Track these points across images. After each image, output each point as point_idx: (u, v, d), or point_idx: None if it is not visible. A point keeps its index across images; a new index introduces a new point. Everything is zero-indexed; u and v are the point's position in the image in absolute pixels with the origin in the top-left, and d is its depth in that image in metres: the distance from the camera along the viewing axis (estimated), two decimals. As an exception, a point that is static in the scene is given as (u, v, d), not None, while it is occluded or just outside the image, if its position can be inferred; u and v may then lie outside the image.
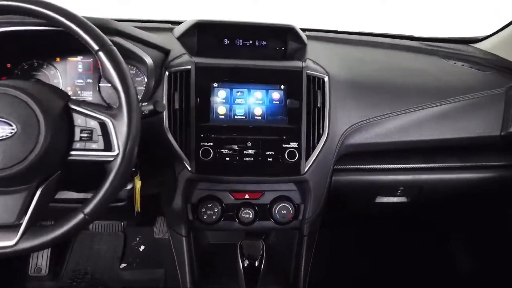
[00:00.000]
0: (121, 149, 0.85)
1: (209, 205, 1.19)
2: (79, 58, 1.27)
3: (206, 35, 1.33)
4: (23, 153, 0.79)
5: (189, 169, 1.14)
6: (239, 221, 1.21)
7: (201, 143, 1.15)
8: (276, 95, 1.20)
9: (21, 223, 0.80)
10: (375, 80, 1.32)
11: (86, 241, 2.07)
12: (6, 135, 0.80)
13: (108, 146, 0.86)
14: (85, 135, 0.87)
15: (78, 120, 0.87)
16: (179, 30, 1.34)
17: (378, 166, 1.33)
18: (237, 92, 1.19)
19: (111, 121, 0.87)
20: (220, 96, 1.18)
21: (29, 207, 0.81)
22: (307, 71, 1.20)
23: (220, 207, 1.19)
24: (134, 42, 1.17)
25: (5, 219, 0.81)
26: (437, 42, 1.64)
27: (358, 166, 1.32)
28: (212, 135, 1.15)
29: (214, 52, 1.24)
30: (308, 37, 1.37)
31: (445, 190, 1.38)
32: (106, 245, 2.06)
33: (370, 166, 1.33)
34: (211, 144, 1.15)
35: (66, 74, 1.27)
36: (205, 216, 1.19)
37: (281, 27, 1.33)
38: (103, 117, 0.87)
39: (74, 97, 1.11)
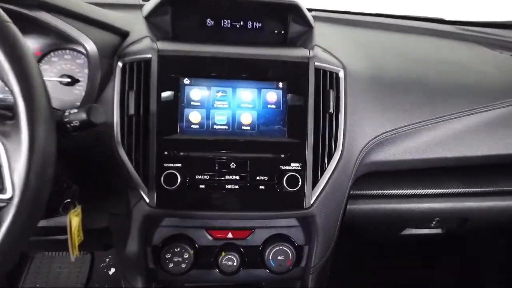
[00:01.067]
0: (17, 189, 0.52)
1: (176, 249, 0.85)
2: None
3: (183, 14, 1.02)
4: None
5: (147, 201, 0.81)
6: (219, 269, 0.88)
7: (165, 164, 0.81)
8: (272, 96, 0.86)
9: None
10: (405, 76, 0.98)
11: (45, 262, 1.75)
12: None
13: None
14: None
15: None
16: (147, 7, 1.00)
17: (408, 191, 1.00)
18: (218, 91, 0.85)
19: (2, 144, 0.54)
20: (193, 97, 0.84)
21: None
22: (316, 63, 0.87)
23: (192, 251, 0.86)
24: (72, 19, 0.83)
25: None
26: (476, 27, 1.29)
27: (381, 192, 0.99)
28: (181, 153, 0.82)
29: (193, 37, 1.00)
30: (316, 18, 1.04)
31: (495, 221, 1.05)
32: (68, 268, 1.74)
33: (397, 192, 1.00)
34: (179, 165, 0.81)
35: None
36: (171, 264, 0.85)
37: (282, 3, 0.99)
38: None
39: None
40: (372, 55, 1.02)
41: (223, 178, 0.82)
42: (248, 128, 0.85)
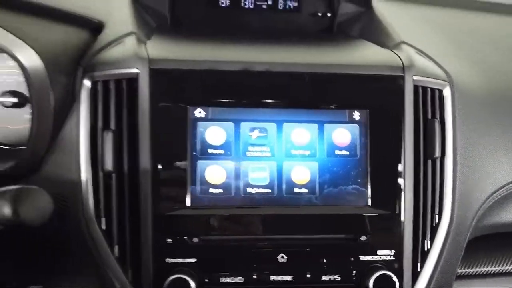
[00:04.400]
0: None
1: None
2: None
3: None
4: None
5: None
6: None
7: (168, 260, 0.48)
8: (342, 135, 0.51)
9: None
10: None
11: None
12: None
13: None
14: None
15: None
16: None
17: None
18: (253, 130, 0.51)
19: None
20: (210, 141, 0.50)
21: None
22: (415, 76, 0.52)
23: None
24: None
25: None
26: None
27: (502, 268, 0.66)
28: (194, 240, 0.48)
29: (201, 25, 0.74)
30: None
31: None
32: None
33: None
34: (192, 262, 0.48)
35: None
36: None
37: None
38: None
39: None
40: (478, 56, 0.67)
41: (266, 281, 0.49)
42: (305, 191, 0.50)
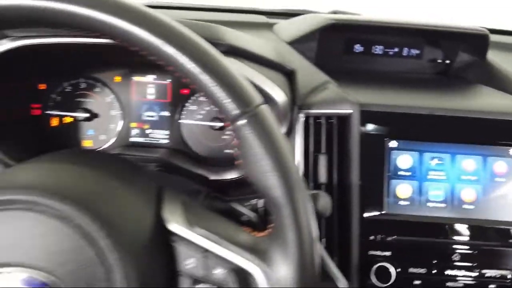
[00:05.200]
0: None
1: None
2: (149, 77, 0.79)
3: (331, 39, 0.86)
4: None
5: None
6: None
7: (371, 252, 0.64)
8: (502, 166, 0.67)
9: None
10: None
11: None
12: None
13: None
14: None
15: (189, 260, 0.39)
16: (292, 32, 0.86)
17: None
18: (433, 158, 0.67)
19: (261, 271, 0.38)
20: (401, 165, 0.66)
21: None
22: None
23: None
24: (252, 63, 0.67)
25: None
26: None
27: None
28: (389, 238, 0.64)
29: (338, 63, 0.87)
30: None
31: None
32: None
33: None
34: (389, 254, 0.64)
35: (129, 103, 0.79)
36: None
37: (471, 33, 0.81)
38: (244, 261, 0.38)
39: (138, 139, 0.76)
40: None
41: (444, 273, 0.64)
42: (472, 207, 0.66)
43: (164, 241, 0.40)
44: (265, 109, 0.39)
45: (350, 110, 0.66)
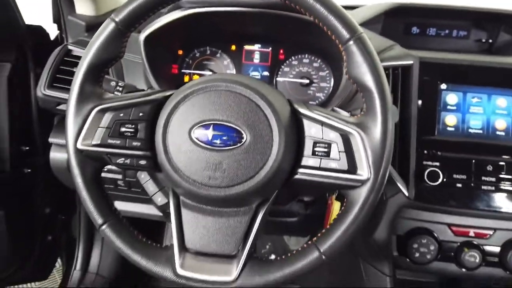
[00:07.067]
0: (373, 172, 0.62)
1: (423, 240, 0.92)
2: (256, 46, 1.06)
3: (393, 21, 1.08)
4: (252, 170, 0.62)
5: (406, 194, 0.89)
6: (459, 264, 0.93)
7: (424, 163, 0.88)
8: (526, 104, 0.90)
9: (239, 254, 0.65)
10: None
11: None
12: (234, 145, 0.62)
13: (353, 167, 0.63)
14: (321, 149, 0.65)
15: (312, 129, 0.65)
16: (361, 14, 1.08)
17: None
18: (473, 97, 0.91)
19: (359, 134, 0.63)
20: (449, 102, 0.91)
21: (249, 235, 0.65)
22: None
23: (436, 245, 0.92)
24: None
25: (224, 248, 0.65)
26: None
27: None
28: (439, 153, 0.88)
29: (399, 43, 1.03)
30: None
31: None
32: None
33: None
34: (438, 164, 0.88)
35: (241, 66, 1.07)
36: (417, 254, 0.92)
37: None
38: (348, 128, 0.64)
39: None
40: None
41: (479, 179, 0.88)
42: (503, 133, 0.89)
43: (298, 117, 0.68)
44: (364, 35, 0.65)
45: (411, 61, 0.92)
